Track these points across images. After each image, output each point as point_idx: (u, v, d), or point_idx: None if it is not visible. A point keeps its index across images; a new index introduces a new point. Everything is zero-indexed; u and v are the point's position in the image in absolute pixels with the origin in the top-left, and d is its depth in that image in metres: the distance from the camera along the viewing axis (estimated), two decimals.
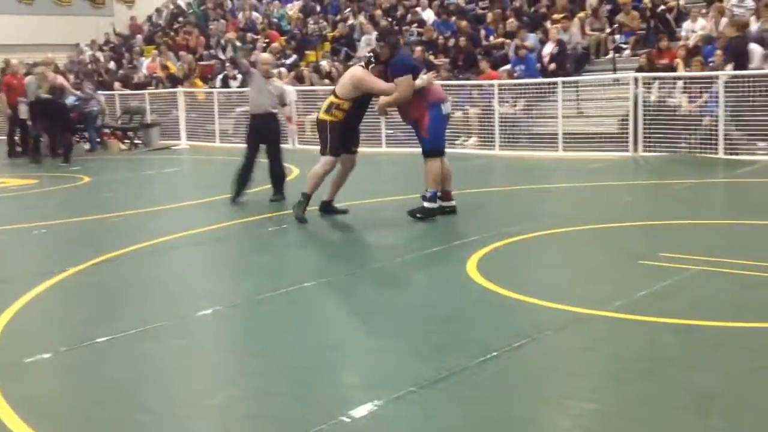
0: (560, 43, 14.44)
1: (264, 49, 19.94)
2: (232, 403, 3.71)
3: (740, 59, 11.88)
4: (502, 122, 13.48)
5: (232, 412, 3.62)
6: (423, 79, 7.67)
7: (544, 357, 4.13)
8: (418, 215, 7.64)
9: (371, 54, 7.84)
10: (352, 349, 4.46)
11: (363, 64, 7.94)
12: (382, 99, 7.78)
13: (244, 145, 9.68)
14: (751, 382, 3.62)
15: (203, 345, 4.67)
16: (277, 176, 9.49)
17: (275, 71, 10.39)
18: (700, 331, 4.30)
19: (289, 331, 4.72)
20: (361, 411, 3.48)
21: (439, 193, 7.78)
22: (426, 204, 7.68)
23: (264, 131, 9.48)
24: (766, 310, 4.63)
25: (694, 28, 13.69)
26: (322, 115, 7.91)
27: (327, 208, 8.13)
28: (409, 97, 7.58)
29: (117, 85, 20.30)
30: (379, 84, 7.68)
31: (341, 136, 7.80)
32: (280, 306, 5.23)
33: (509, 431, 3.30)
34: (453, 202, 7.91)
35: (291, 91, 16.02)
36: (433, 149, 7.74)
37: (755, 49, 12.04)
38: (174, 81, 19.84)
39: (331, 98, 7.88)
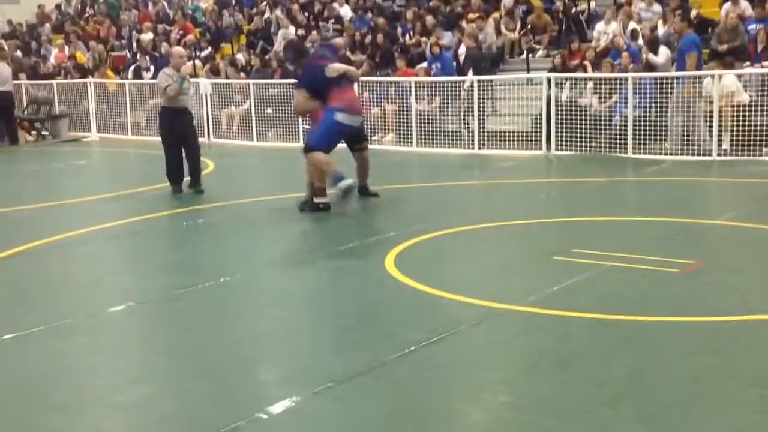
0: (476, 42, 14.62)
1: (178, 42, 19.64)
2: (144, 401, 3.62)
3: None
4: (419, 119, 13.58)
5: (145, 411, 3.53)
6: (330, 68, 7.95)
7: (460, 351, 4.18)
8: (309, 208, 7.89)
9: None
10: (268, 345, 4.42)
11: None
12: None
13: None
14: (659, 375, 3.73)
15: (115, 342, 4.55)
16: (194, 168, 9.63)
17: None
18: (610, 326, 4.42)
19: (204, 327, 4.64)
20: (278, 407, 3.45)
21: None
22: (316, 199, 7.91)
23: (180, 125, 9.48)
24: (672, 304, 4.79)
25: (606, 30, 14.05)
26: None
27: (362, 191, 8.60)
28: (299, 108, 8.60)
29: (22, 75, 19.59)
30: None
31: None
32: (195, 302, 5.14)
33: (425, 425, 3.32)
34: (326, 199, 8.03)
35: (206, 84, 15.81)
36: (312, 147, 7.99)
37: (662, 52, 12.45)
38: (83, 71, 19.28)
39: None
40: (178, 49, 10.62)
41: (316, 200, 7.89)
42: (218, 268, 5.91)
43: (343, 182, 7.82)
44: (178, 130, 9.46)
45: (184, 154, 9.51)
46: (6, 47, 19.80)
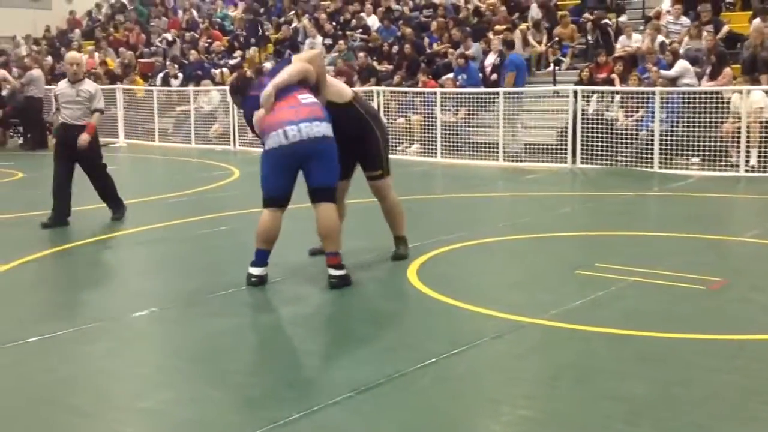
0: (502, 54, 14.62)
1: (207, 49, 19.79)
2: (165, 407, 3.65)
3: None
4: (443, 130, 13.59)
5: (165, 417, 3.56)
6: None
7: (481, 363, 4.17)
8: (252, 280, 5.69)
9: None
10: (289, 353, 4.44)
11: None
12: None
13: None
14: (680, 391, 3.71)
15: (138, 347, 4.59)
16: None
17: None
18: (631, 341, 4.39)
19: (226, 335, 4.67)
20: (297, 416, 3.46)
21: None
22: (250, 268, 5.72)
23: (71, 145, 8.15)
24: (693, 321, 4.75)
25: (630, 44, 13.99)
26: None
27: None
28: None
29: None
30: None
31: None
32: (218, 309, 5.16)
33: None
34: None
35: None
36: (263, 197, 5.72)
37: (677, 65, 12.38)
38: (112, 78, 19.50)
39: None
40: (74, 55, 8.95)
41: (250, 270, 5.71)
42: (241, 277, 5.91)
43: (253, 269, 5.70)
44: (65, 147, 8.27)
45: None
46: (39, 54, 20.06)
